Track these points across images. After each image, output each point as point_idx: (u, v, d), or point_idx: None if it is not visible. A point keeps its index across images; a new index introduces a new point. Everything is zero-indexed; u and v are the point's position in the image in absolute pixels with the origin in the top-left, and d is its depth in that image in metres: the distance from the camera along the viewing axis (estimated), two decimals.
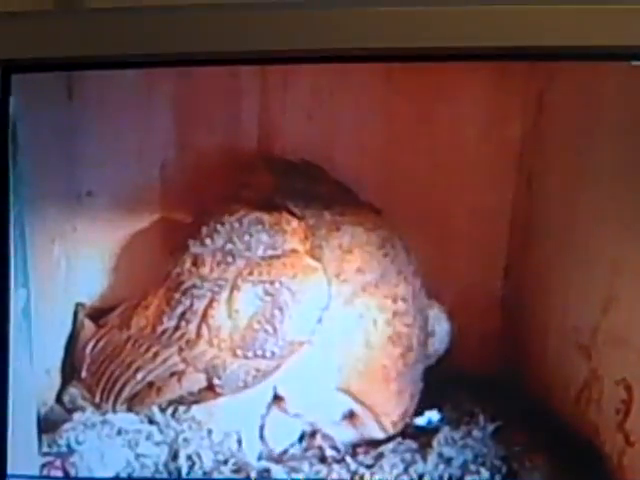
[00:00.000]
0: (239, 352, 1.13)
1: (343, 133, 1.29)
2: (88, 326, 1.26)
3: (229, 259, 1.16)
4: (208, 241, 1.18)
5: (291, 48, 0.89)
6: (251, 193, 1.22)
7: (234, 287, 1.14)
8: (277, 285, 1.13)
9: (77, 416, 1.16)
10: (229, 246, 1.17)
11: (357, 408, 1.17)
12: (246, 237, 1.16)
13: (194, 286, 1.16)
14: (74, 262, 1.28)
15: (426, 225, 1.28)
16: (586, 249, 1.13)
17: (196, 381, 1.14)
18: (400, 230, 1.20)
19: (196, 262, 1.18)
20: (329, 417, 1.18)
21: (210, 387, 1.14)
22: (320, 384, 1.16)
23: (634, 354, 1.03)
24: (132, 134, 1.28)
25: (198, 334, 1.14)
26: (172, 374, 1.15)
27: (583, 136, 1.13)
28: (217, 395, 1.14)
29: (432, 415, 1.21)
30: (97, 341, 1.23)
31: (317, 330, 1.13)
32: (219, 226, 1.18)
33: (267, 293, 1.13)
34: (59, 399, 1.20)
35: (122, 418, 1.16)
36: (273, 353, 1.12)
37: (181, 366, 1.15)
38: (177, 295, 1.17)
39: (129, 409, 1.17)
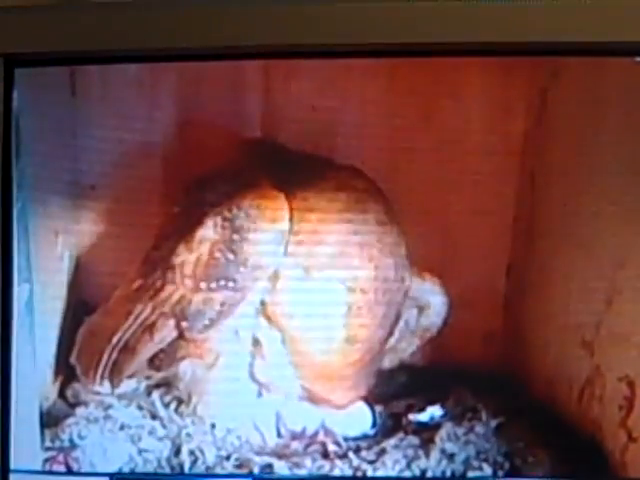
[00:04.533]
0: (202, 285, 1.13)
1: (346, 126, 1.28)
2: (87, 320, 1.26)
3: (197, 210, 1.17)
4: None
5: (294, 43, 0.89)
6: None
7: (196, 223, 1.15)
8: (235, 210, 1.13)
9: (80, 411, 1.16)
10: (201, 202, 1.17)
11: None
12: (214, 194, 1.17)
13: (164, 238, 1.18)
14: (77, 257, 1.28)
15: (428, 222, 1.28)
16: (589, 246, 1.13)
17: (167, 331, 1.15)
18: (401, 222, 1.20)
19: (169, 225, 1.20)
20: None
21: (181, 335, 1.14)
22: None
23: (637, 350, 1.03)
24: (135, 128, 1.28)
25: (164, 279, 1.15)
26: (145, 329, 1.15)
27: (587, 133, 1.13)
28: (188, 343, 1.15)
29: (434, 411, 1.21)
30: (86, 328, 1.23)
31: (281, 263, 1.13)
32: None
33: (225, 219, 1.13)
34: (62, 394, 1.21)
35: (125, 413, 1.17)
36: (236, 281, 1.12)
37: (152, 317, 1.15)
38: (151, 252, 1.18)
39: (110, 381, 1.16)
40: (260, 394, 1.18)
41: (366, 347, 1.16)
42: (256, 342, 1.16)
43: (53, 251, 1.21)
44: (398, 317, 1.21)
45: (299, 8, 0.88)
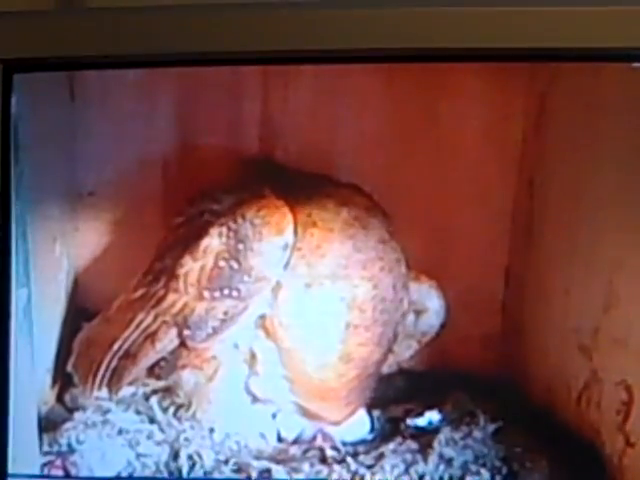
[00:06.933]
0: (206, 294, 1.13)
1: (345, 133, 1.28)
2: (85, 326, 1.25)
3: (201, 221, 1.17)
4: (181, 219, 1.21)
5: (293, 48, 0.89)
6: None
7: (201, 232, 1.15)
8: (240, 220, 1.13)
9: (78, 415, 1.17)
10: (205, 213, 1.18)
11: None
12: (218, 204, 1.18)
13: (167, 246, 1.18)
14: (75, 262, 1.28)
15: (427, 226, 1.28)
16: (587, 250, 1.13)
17: (169, 340, 1.14)
18: (401, 230, 1.20)
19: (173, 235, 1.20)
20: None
21: (182, 344, 1.14)
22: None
23: (635, 355, 1.03)
24: (134, 134, 1.28)
25: (167, 287, 1.15)
26: (146, 337, 1.15)
27: (584, 138, 1.13)
28: (189, 352, 1.14)
29: (432, 415, 1.21)
30: (84, 335, 1.23)
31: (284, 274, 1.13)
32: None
33: (230, 229, 1.13)
34: (60, 398, 1.21)
35: (123, 417, 1.17)
36: (239, 291, 1.12)
37: (154, 326, 1.15)
38: (154, 261, 1.19)
39: (109, 388, 1.16)
40: (257, 401, 1.18)
41: (362, 365, 1.16)
42: (253, 356, 1.17)
43: (52, 256, 1.21)
44: (395, 337, 1.21)
45: (298, 14, 0.88)
